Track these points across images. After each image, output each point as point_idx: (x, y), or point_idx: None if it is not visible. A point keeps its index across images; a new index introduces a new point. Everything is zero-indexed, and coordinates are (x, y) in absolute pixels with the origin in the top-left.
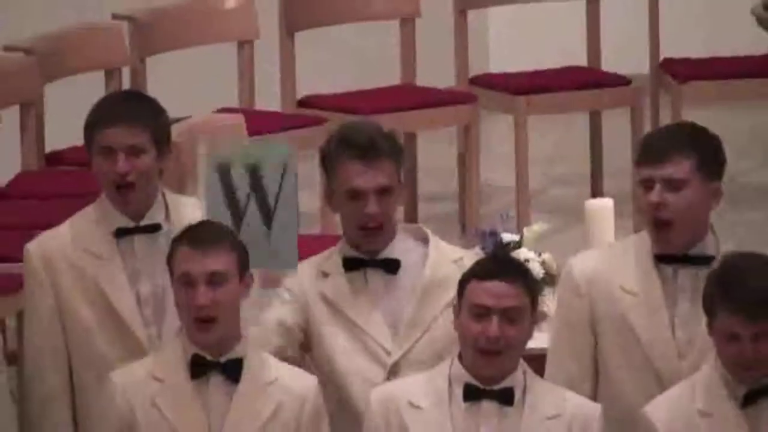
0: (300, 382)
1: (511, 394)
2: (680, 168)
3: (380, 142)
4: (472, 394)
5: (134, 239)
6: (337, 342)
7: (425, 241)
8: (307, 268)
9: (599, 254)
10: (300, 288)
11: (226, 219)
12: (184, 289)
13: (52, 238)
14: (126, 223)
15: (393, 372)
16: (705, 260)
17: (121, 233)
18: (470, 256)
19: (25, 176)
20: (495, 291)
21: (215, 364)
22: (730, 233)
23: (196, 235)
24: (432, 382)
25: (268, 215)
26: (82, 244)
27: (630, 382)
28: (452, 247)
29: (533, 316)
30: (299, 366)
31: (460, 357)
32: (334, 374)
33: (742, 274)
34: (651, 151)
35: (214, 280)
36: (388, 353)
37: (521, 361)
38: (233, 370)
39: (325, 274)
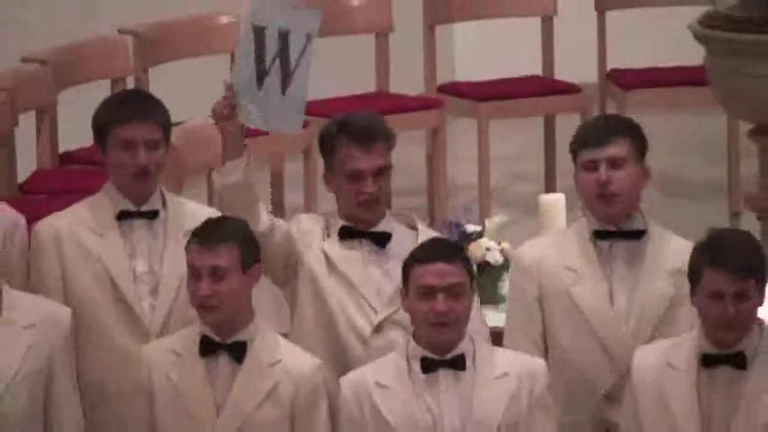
0: (301, 365)
1: (462, 361)
2: (621, 148)
3: (377, 127)
4: (428, 366)
5: (134, 222)
6: (332, 292)
7: (413, 226)
8: (314, 223)
9: (543, 241)
10: (307, 234)
11: (251, 77)
12: (192, 279)
13: (61, 218)
14: (127, 206)
15: (378, 329)
16: (636, 234)
17: (122, 216)
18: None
19: (40, 174)
20: (438, 271)
21: (222, 345)
22: (677, 223)
23: (205, 233)
24: (393, 363)
25: (286, 78)
26: (88, 224)
27: (577, 350)
28: (437, 233)
29: (472, 290)
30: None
31: (414, 337)
32: (325, 318)
33: (728, 241)
34: (593, 136)
35: (216, 273)
36: (376, 312)
37: (467, 330)
38: (238, 351)
39: (329, 234)
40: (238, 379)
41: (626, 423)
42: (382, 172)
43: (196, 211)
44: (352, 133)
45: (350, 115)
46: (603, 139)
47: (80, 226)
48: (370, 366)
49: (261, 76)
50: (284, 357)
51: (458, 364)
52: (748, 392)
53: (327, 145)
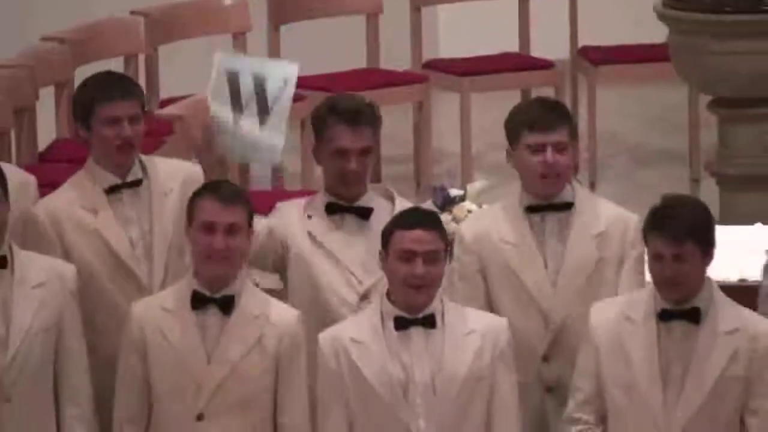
0: (283, 317)
1: (433, 319)
2: (564, 134)
3: (364, 110)
4: (401, 324)
5: (122, 193)
6: (321, 269)
7: (391, 198)
8: (294, 210)
9: (482, 216)
10: (285, 225)
11: (227, 115)
12: (204, 234)
13: (54, 199)
14: (114, 181)
15: (364, 297)
16: (567, 206)
17: (111, 190)
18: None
19: (59, 143)
20: (417, 238)
21: (212, 299)
22: (640, 189)
23: (221, 191)
24: (368, 320)
25: (263, 114)
26: (80, 202)
27: (517, 317)
28: (412, 204)
29: (446, 257)
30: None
31: (388, 296)
32: (317, 291)
33: (673, 207)
34: (542, 121)
35: (232, 229)
36: (360, 282)
37: (439, 291)
38: (226, 305)
39: (310, 216)
40: (227, 329)
41: (580, 378)
42: (366, 152)
43: (170, 168)
44: (341, 113)
45: (340, 97)
46: (551, 126)
47: (74, 205)
48: (347, 322)
49: (237, 112)
50: (268, 310)
51: (429, 322)
52: (700, 345)
53: (317, 123)
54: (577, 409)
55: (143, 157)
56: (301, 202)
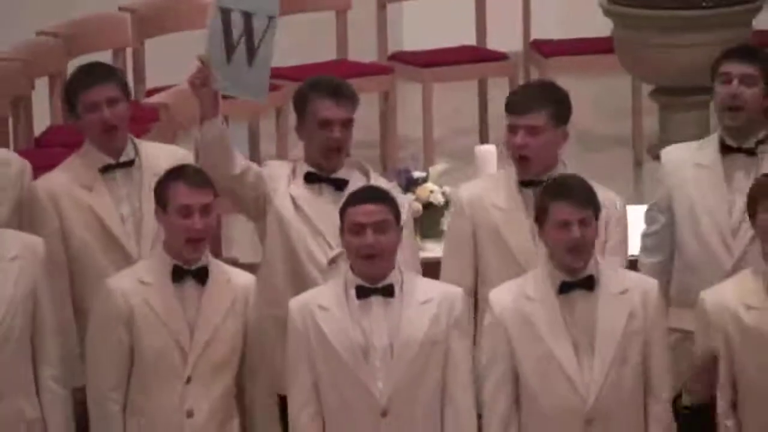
0: (245, 281)
1: (391, 289)
2: (538, 118)
3: (344, 86)
4: (362, 293)
5: (116, 173)
6: (297, 230)
7: (366, 173)
8: (282, 170)
9: (478, 183)
10: (272, 179)
11: (221, 52)
12: (182, 218)
13: (53, 177)
14: (108, 161)
15: (332, 261)
16: None
17: (105, 169)
18: (396, 188)
19: (53, 129)
20: (365, 211)
21: (189, 271)
22: (590, 170)
23: (192, 177)
24: (333, 289)
25: (251, 53)
26: (77, 180)
27: (502, 275)
28: (384, 180)
29: (398, 226)
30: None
31: (351, 268)
32: (290, 251)
33: (567, 181)
34: (515, 105)
35: (206, 210)
36: (331, 248)
37: (397, 262)
38: (201, 275)
39: (292, 177)
40: (205, 297)
41: (491, 363)
42: (348, 123)
43: (161, 151)
44: (324, 89)
45: (320, 76)
46: (523, 109)
47: (71, 183)
48: (315, 290)
49: (229, 51)
50: (230, 276)
51: (388, 291)
52: (600, 309)
53: (300, 101)
54: (495, 391)
55: (136, 140)
56: (289, 164)
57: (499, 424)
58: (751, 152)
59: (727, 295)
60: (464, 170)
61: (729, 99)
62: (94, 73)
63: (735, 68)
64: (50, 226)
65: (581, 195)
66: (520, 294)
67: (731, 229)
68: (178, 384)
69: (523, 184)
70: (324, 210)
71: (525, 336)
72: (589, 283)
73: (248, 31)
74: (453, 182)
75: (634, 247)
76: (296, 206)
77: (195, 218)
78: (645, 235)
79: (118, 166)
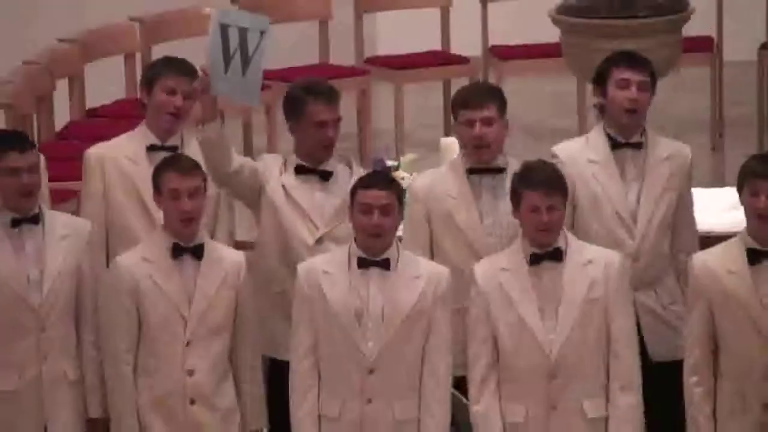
0: (236, 257)
1: (388, 263)
2: (492, 111)
3: (334, 90)
4: (363, 264)
5: (160, 156)
6: (287, 215)
7: (350, 165)
8: (275, 163)
9: (428, 174)
10: (265, 171)
11: (219, 62)
12: (172, 200)
13: (105, 147)
14: (155, 141)
15: (318, 241)
16: (499, 170)
17: (151, 148)
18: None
19: (72, 125)
20: (374, 195)
21: (187, 248)
22: (534, 158)
23: (180, 164)
24: (338, 258)
25: (245, 63)
26: (124, 152)
27: (456, 256)
28: (365, 171)
29: (400, 210)
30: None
31: (355, 240)
32: (282, 232)
33: (538, 167)
34: (470, 101)
35: (194, 193)
36: (317, 228)
37: (396, 239)
38: (198, 252)
39: (285, 170)
40: (202, 272)
41: (474, 325)
42: (338, 123)
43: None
44: (320, 93)
45: (312, 80)
46: (479, 104)
47: (119, 154)
48: (321, 257)
49: (227, 61)
50: (223, 253)
51: (385, 265)
52: (565, 278)
53: (296, 103)
54: (477, 351)
55: (185, 133)
56: (281, 158)
57: (480, 378)
58: (637, 146)
59: (713, 260)
60: (430, 159)
61: (629, 103)
62: (178, 63)
63: (633, 75)
64: (95, 187)
65: (550, 183)
66: (498, 266)
67: (631, 216)
68: (180, 347)
69: (470, 171)
70: (312, 197)
71: (500, 303)
72: (556, 255)
73: (243, 44)
74: (421, 170)
75: None
76: (287, 194)
77: (184, 200)
78: None
79: (163, 148)
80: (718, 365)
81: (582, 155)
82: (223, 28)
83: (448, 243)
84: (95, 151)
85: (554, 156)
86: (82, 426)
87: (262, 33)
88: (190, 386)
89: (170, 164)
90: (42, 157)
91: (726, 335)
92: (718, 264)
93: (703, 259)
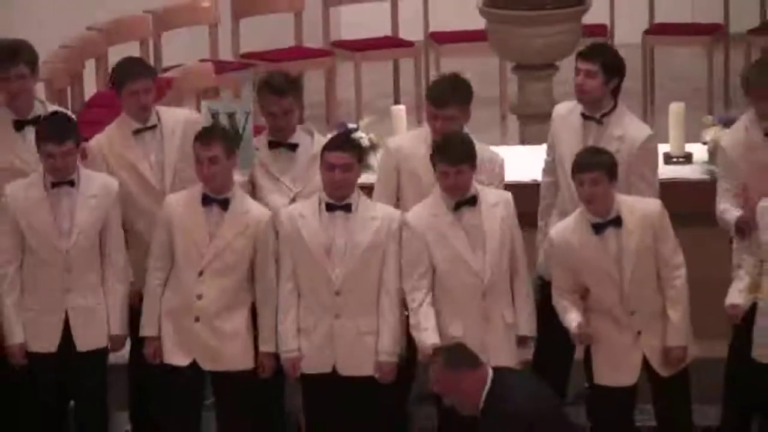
0: (260, 214)
1: (350, 207)
2: (454, 111)
3: (286, 84)
4: (330, 208)
5: (144, 135)
6: (265, 184)
7: (311, 134)
8: (257, 141)
9: (404, 137)
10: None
11: None
12: (198, 164)
13: (102, 137)
14: (139, 126)
15: (292, 200)
16: None
17: (136, 131)
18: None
19: (97, 96)
20: (336, 156)
21: (215, 199)
22: (468, 123)
23: (204, 135)
24: (311, 204)
25: (236, 138)
26: (118, 139)
27: (415, 201)
28: (323, 139)
29: (359, 167)
30: None
31: (324, 191)
32: (262, 197)
33: (449, 140)
34: (435, 99)
35: (212, 160)
36: (291, 191)
37: (357, 188)
38: (224, 204)
39: (257, 149)
40: (225, 219)
41: (414, 264)
42: (288, 112)
43: (175, 115)
44: (271, 87)
45: (269, 75)
46: (441, 104)
47: (114, 141)
48: (298, 204)
49: None
50: (250, 208)
51: (348, 208)
52: (483, 216)
53: (258, 92)
54: (417, 283)
55: (158, 108)
56: (259, 138)
57: (420, 304)
58: (599, 121)
59: (566, 232)
60: (383, 122)
61: (576, 87)
62: (137, 66)
63: (582, 65)
64: (100, 168)
65: (457, 154)
66: (428, 213)
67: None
68: (194, 275)
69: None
70: (283, 166)
71: (435, 240)
72: (472, 201)
73: (232, 123)
74: (376, 131)
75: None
76: (262, 166)
77: (204, 166)
78: (545, 162)
79: (145, 129)
80: (587, 303)
81: (565, 120)
82: (214, 115)
83: (410, 193)
84: (95, 143)
85: (553, 110)
86: (105, 339)
87: (246, 113)
88: (197, 308)
89: (198, 137)
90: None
91: (588, 282)
92: (570, 236)
93: (558, 231)
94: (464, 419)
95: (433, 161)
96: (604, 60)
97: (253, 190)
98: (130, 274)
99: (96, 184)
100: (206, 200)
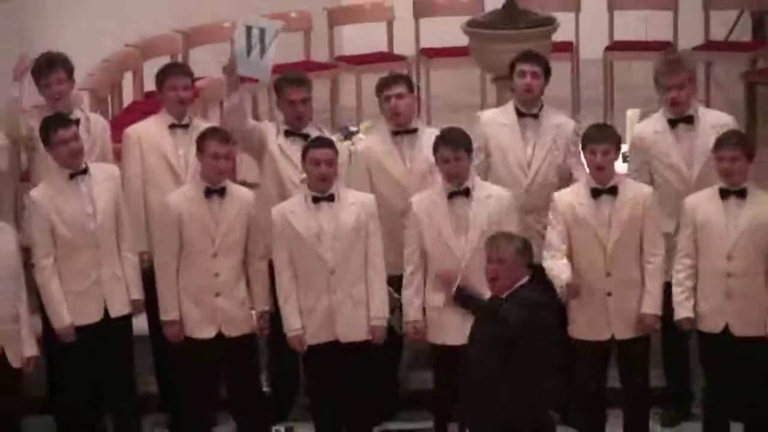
0: (248, 196)
1: (333, 197)
2: (402, 88)
3: (303, 77)
4: (315, 200)
5: (177, 130)
6: (283, 166)
7: (322, 131)
8: (272, 128)
9: (367, 138)
10: (266, 132)
11: (243, 50)
12: (213, 160)
13: (140, 126)
14: (174, 121)
15: (303, 181)
16: (414, 131)
17: (172, 126)
18: (337, 138)
19: (134, 104)
20: (321, 152)
21: (216, 190)
22: (454, 123)
23: (223, 137)
24: (298, 200)
25: (263, 52)
26: (155, 130)
27: (388, 194)
28: (329, 133)
29: (337, 162)
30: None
31: (309, 185)
32: (279, 176)
33: (452, 132)
34: (386, 84)
35: (228, 157)
36: (302, 173)
37: (338, 178)
38: (222, 193)
39: (278, 133)
40: (225, 206)
41: (408, 243)
42: (306, 100)
43: (202, 125)
44: (292, 80)
45: (289, 72)
46: (392, 84)
47: (150, 130)
48: (287, 202)
49: (249, 50)
50: (241, 194)
51: (331, 198)
52: (472, 207)
53: (276, 88)
54: (410, 258)
55: (193, 117)
56: (275, 125)
57: (410, 271)
58: (535, 116)
59: (569, 195)
60: (380, 126)
61: (525, 86)
62: (178, 68)
63: (528, 68)
64: (135, 157)
65: (457, 142)
66: (428, 200)
67: (527, 163)
68: (209, 256)
69: (395, 133)
70: (297, 151)
71: (429, 226)
72: (466, 192)
73: (262, 39)
74: (375, 133)
75: None
76: (282, 151)
77: (221, 161)
78: (479, 162)
79: (179, 126)
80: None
81: (496, 119)
82: (248, 29)
83: (384, 187)
84: (133, 132)
85: (477, 117)
86: (128, 304)
87: (276, 31)
88: (216, 284)
89: (211, 135)
90: (102, 123)
91: (576, 249)
92: (571, 197)
93: (562, 194)
94: (456, 383)
95: (435, 152)
96: (546, 64)
97: (271, 165)
98: (145, 244)
99: (103, 171)
100: (208, 192)
